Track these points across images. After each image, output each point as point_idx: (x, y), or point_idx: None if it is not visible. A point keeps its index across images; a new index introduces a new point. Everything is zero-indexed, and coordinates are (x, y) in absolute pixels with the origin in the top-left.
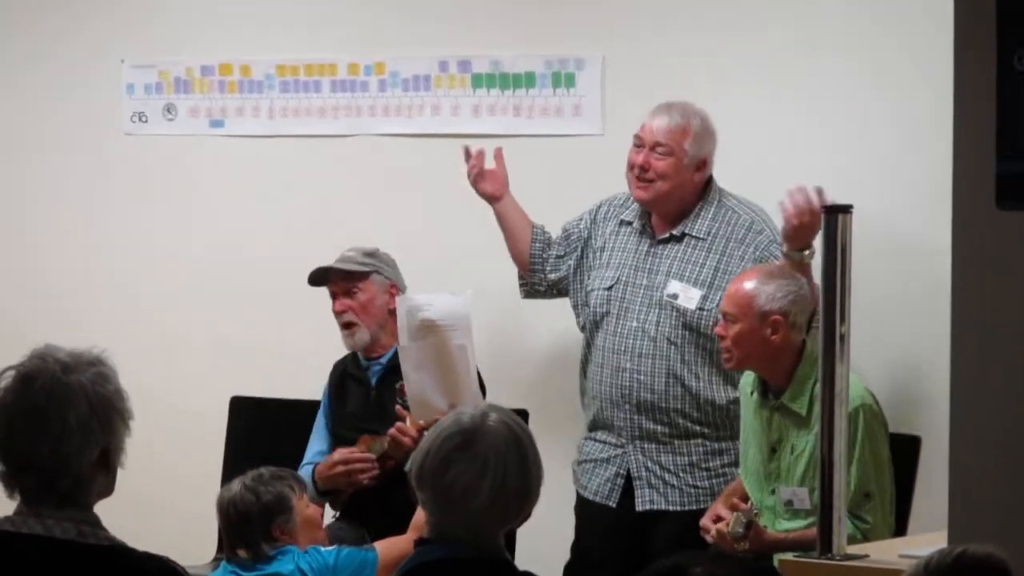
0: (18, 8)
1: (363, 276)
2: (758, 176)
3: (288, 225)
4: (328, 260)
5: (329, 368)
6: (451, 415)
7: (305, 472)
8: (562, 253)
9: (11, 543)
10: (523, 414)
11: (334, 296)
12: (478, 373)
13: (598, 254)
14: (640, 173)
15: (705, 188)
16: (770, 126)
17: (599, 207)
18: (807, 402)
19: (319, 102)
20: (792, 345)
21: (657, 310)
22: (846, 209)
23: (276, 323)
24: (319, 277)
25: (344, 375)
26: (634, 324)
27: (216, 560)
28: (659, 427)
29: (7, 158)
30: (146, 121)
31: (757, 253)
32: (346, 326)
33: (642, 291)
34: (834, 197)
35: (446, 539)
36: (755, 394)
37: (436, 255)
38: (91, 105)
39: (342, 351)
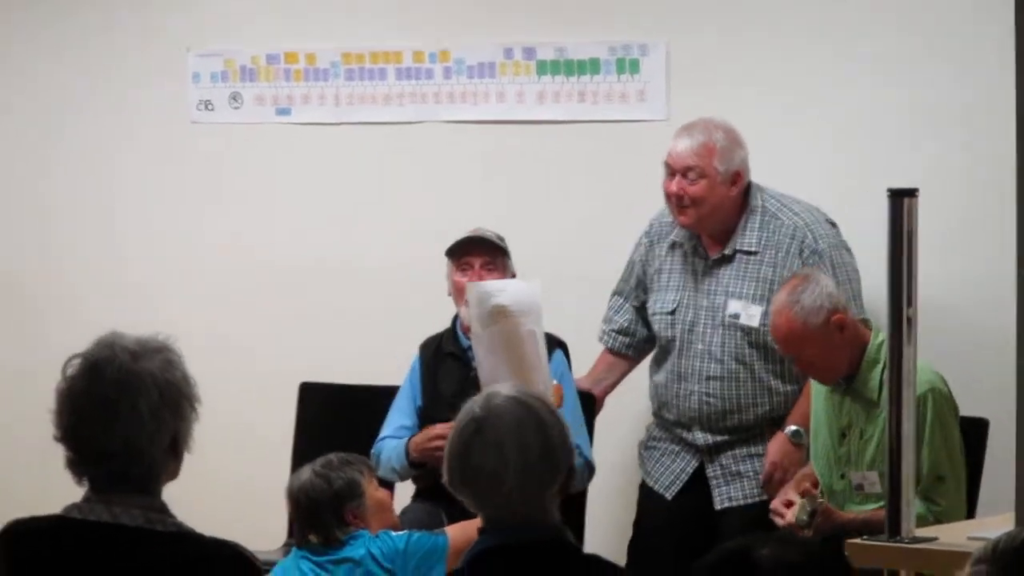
0: None
1: (504, 256)
2: (823, 161)
3: (355, 211)
4: (393, 246)
5: (398, 352)
6: (462, 410)
7: (395, 444)
8: (638, 305)
9: (80, 530)
10: (590, 397)
11: (468, 267)
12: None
13: (656, 277)
14: (677, 202)
15: (746, 197)
16: (835, 111)
17: (651, 227)
18: (877, 386)
19: (384, 89)
20: (860, 332)
21: (721, 331)
22: (911, 193)
23: (345, 309)
24: (461, 247)
25: (439, 353)
26: (700, 347)
27: (287, 545)
28: (729, 436)
29: (74, 148)
30: (212, 109)
31: (802, 259)
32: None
33: (704, 313)
34: (902, 181)
35: (497, 526)
36: None
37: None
38: (157, 93)
39: (412, 335)
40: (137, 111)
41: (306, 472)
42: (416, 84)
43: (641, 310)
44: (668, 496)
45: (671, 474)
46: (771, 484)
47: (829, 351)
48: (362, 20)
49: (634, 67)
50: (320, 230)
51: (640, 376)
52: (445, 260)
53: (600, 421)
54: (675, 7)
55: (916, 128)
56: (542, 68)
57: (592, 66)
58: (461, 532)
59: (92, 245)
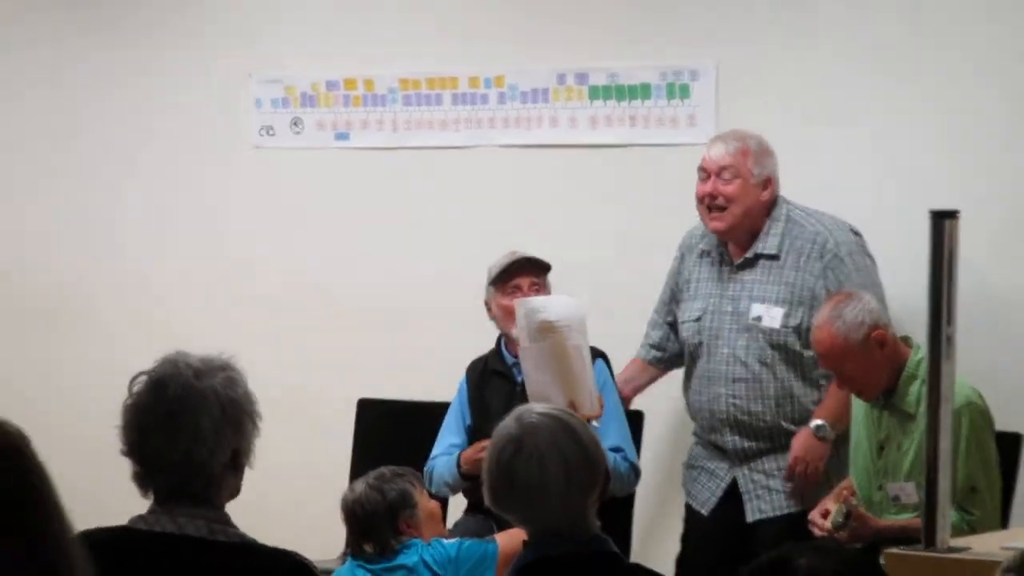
0: (148, 24)
1: (546, 273)
2: (872, 182)
3: (412, 233)
4: (449, 268)
5: (453, 370)
6: (496, 432)
7: (446, 460)
8: (672, 320)
9: (145, 541)
10: (639, 415)
11: (517, 290)
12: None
13: (685, 287)
14: (710, 202)
15: (771, 208)
16: (884, 131)
17: (682, 241)
18: (915, 400)
19: (440, 115)
20: (900, 349)
21: (745, 335)
22: (953, 214)
23: (402, 328)
24: (509, 272)
25: (486, 372)
26: (725, 351)
27: (344, 555)
28: (759, 443)
29: (140, 172)
30: (274, 134)
31: (823, 263)
32: None
33: (728, 318)
34: (941, 200)
35: (542, 539)
36: None
37: (556, 263)
38: (220, 119)
39: (466, 354)
40: (201, 135)
41: (360, 485)
42: (471, 109)
43: (675, 325)
44: (704, 512)
45: (707, 491)
46: (795, 478)
47: (869, 367)
48: (419, 47)
49: (684, 92)
50: (377, 252)
51: (682, 399)
52: (485, 287)
53: (646, 432)
54: (725, 32)
55: (959, 145)
56: (594, 93)
57: (643, 91)
58: (510, 540)
59: (155, 268)
